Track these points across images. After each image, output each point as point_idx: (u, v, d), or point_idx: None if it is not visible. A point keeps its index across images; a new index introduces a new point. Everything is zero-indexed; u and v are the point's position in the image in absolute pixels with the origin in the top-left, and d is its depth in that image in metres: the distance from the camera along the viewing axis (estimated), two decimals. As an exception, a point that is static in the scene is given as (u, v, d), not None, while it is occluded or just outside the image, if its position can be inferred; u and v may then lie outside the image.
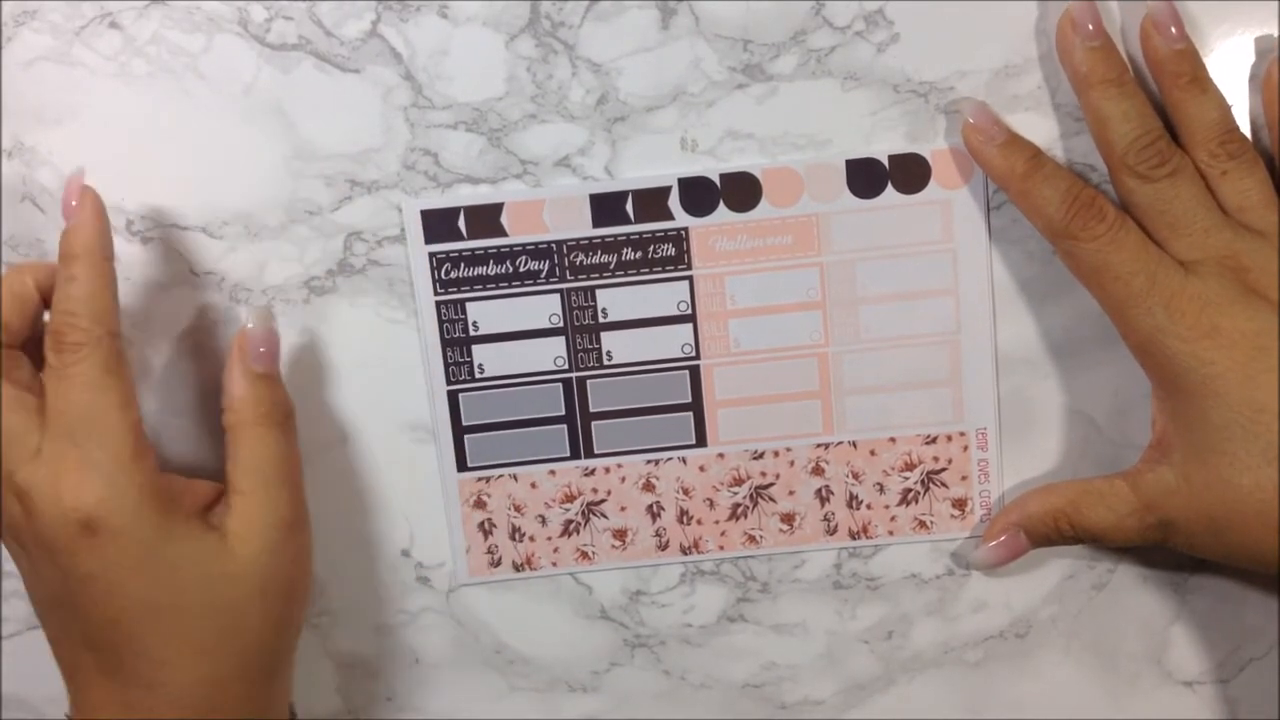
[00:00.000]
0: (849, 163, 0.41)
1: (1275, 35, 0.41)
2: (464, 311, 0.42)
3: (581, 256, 0.42)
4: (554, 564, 0.44)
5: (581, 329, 0.42)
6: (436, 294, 0.42)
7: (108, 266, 0.37)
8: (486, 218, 0.42)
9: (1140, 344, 0.39)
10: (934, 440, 0.43)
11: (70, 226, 0.37)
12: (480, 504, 0.44)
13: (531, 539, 0.44)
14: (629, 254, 0.42)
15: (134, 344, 0.43)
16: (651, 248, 0.42)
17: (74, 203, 0.37)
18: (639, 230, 0.42)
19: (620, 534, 0.44)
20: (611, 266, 0.42)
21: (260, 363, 0.39)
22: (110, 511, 0.36)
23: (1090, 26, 0.39)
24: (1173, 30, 0.39)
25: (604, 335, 0.42)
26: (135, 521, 0.36)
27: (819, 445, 0.43)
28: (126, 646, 0.37)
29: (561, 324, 0.42)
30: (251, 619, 0.38)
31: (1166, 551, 0.40)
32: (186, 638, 0.37)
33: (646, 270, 0.42)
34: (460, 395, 0.43)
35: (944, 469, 0.43)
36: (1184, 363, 0.38)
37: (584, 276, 0.42)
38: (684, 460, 0.43)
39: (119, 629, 0.37)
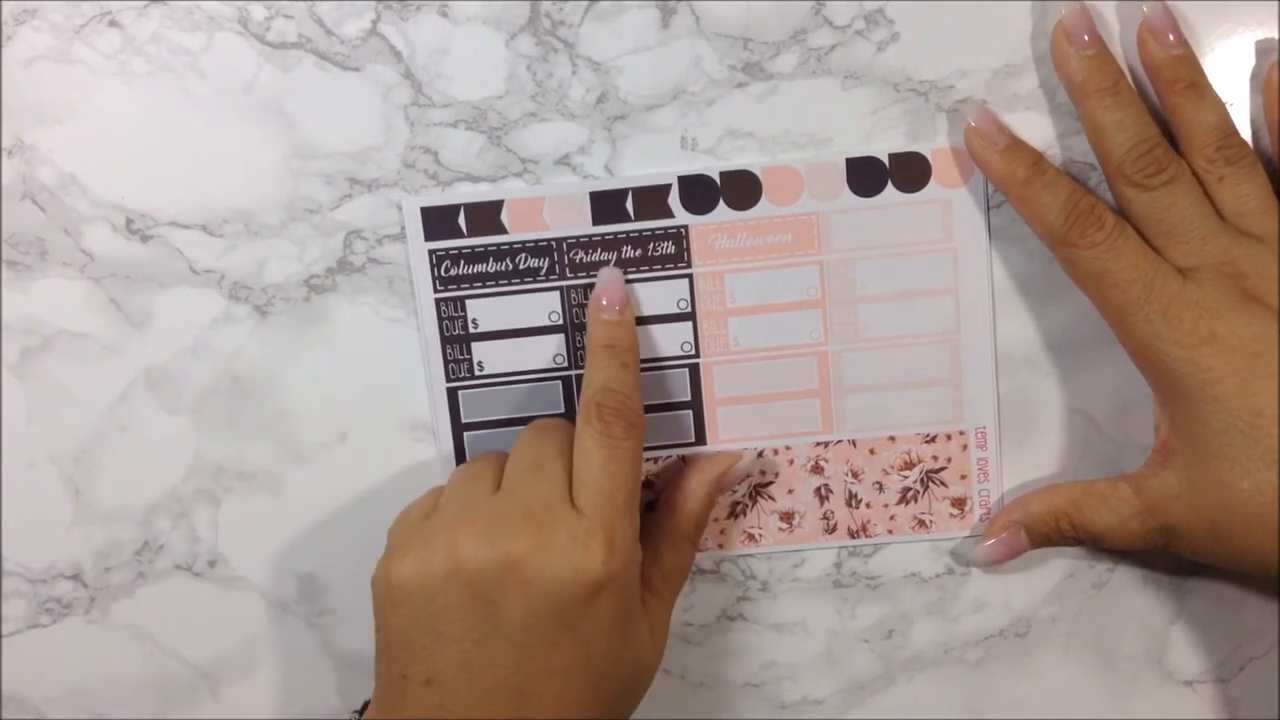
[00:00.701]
0: (849, 161, 0.41)
1: (1275, 37, 0.41)
2: (464, 309, 0.42)
3: (581, 254, 0.42)
4: (553, 563, 0.44)
5: (582, 327, 0.42)
6: (436, 291, 0.42)
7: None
8: (486, 215, 0.42)
9: (1139, 350, 0.39)
10: (933, 439, 0.43)
11: (619, 322, 0.41)
12: (480, 503, 0.43)
13: (531, 538, 0.44)
14: (629, 252, 0.42)
15: (134, 343, 0.43)
16: (651, 245, 0.42)
17: (618, 307, 0.41)
18: (639, 228, 0.42)
19: (620, 533, 0.44)
20: (611, 264, 0.42)
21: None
22: (623, 574, 0.37)
23: (1085, 36, 0.39)
24: (1170, 36, 0.39)
25: (604, 333, 0.42)
26: (633, 587, 0.38)
27: (818, 444, 0.43)
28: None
29: (561, 321, 0.42)
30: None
31: (1166, 551, 0.40)
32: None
33: (646, 268, 0.42)
34: (460, 393, 0.43)
35: (943, 468, 0.43)
36: (1182, 369, 0.38)
37: (584, 274, 0.42)
38: (683, 459, 0.43)
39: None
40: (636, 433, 0.38)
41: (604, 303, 0.41)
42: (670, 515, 0.42)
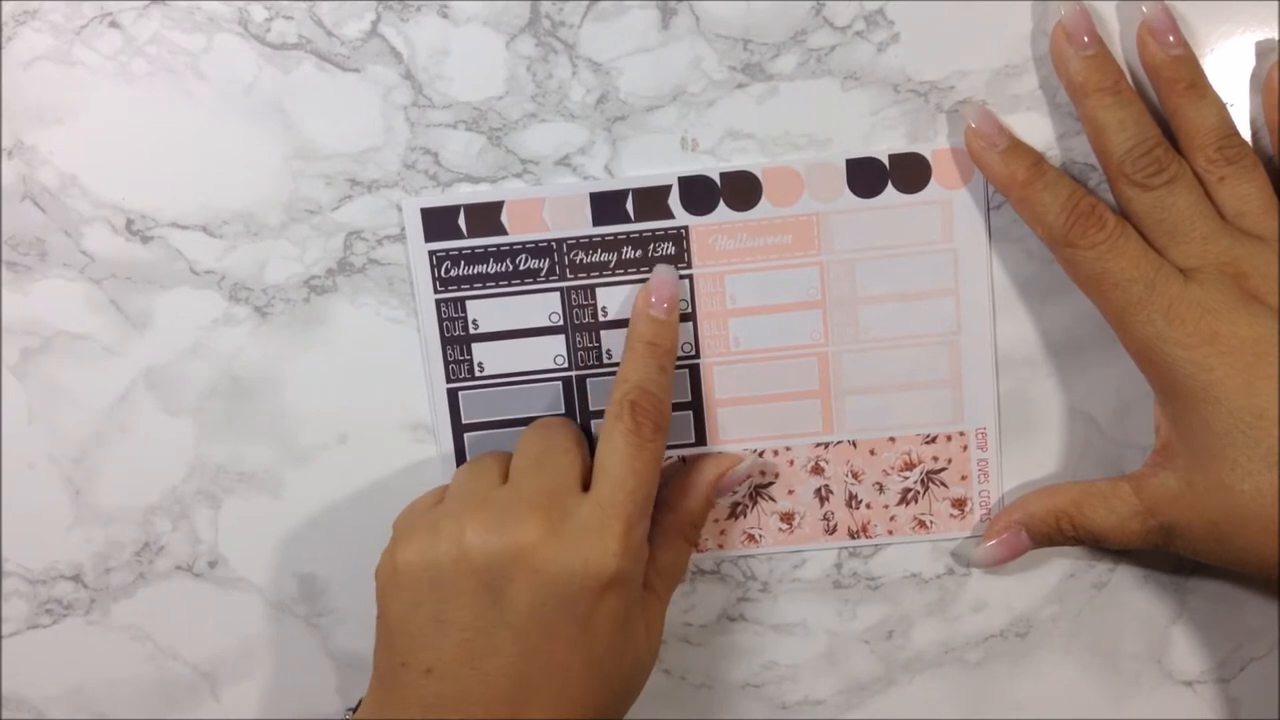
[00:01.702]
0: (849, 162, 0.41)
1: (1275, 37, 0.41)
2: (464, 310, 0.42)
3: (581, 255, 0.42)
4: (554, 563, 0.44)
5: (581, 327, 0.42)
6: (436, 292, 0.42)
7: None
8: (486, 216, 0.42)
9: (1140, 351, 0.39)
10: (934, 440, 0.43)
11: (665, 321, 0.40)
12: (480, 503, 0.43)
13: (531, 538, 0.44)
14: (629, 252, 0.42)
15: (134, 344, 0.43)
16: (652, 246, 0.42)
17: (666, 305, 0.41)
18: (639, 229, 0.42)
19: (620, 533, 0.44)
20: (611, 265, 0.42)
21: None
22: (631, 571, 0.38)
23: (1084, 36, 0.39)
24: (1170, 37, 0.39)
25: (604, 334, 0.42)
26: (637, 585, 0.39)
27: (818, 444, 0.43)
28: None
29: (561, 322, 0.42)
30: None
31: (1167, 551, 0.40)
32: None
33: (647, 269, 0.42)
34: (460, 394, 0.43)
35: (944, 469, 0.43)
36: (1184, 369, 0.37)
37: (584, 275, 0.42)
38: (684, 459, 0.43)
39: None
40: (663, 435, 0.39)
41: (654, 299, 0.41)
42: (668, 514, 0.42)
